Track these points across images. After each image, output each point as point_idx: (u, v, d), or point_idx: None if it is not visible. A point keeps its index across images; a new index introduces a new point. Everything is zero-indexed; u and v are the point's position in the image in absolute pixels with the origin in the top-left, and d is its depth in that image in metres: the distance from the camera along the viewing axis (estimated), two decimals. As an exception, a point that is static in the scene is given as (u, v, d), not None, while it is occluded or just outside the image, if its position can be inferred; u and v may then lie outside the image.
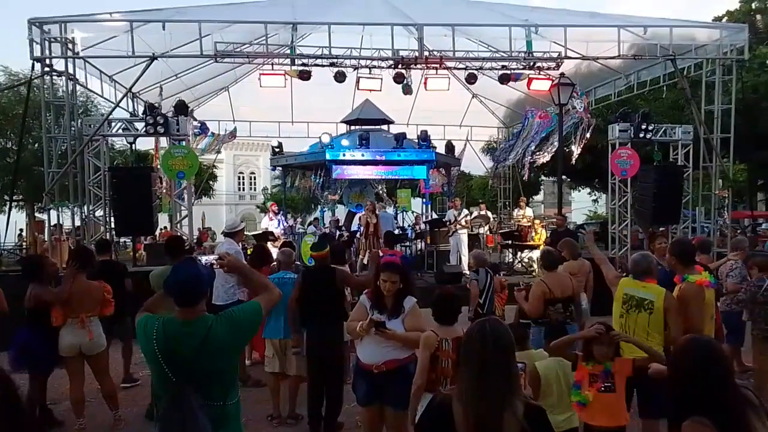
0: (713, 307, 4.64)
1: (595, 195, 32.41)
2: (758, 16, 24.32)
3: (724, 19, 23.76)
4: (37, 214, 20.71)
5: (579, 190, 32.03)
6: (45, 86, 10.01)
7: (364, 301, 4.24)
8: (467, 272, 13.53)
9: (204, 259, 4.44)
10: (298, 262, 9.02)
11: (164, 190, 11.66)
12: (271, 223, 14.23)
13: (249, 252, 13.22)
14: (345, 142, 14.40)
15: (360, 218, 13.47)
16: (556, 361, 3.87)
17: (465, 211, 15.08)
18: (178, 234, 9.46)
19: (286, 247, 6.67)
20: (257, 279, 3.06)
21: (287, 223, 15.17)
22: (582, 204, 40.82)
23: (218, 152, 18.55)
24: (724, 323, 6.47)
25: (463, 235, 13.94)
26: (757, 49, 18.33)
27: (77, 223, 9.65)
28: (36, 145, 18.36)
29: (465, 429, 2.05)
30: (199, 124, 14.82)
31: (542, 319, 5.45)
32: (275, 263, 6.47)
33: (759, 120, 17.26)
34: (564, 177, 13.64)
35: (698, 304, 4.36)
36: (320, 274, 5.45)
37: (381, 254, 8.05)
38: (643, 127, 10.24)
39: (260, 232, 14.17)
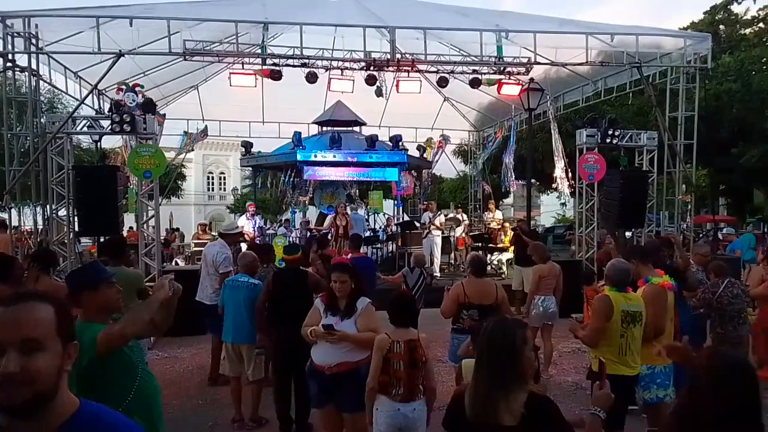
0: (673, 310, 4.76)
1: (563, 198, 32.98)
2: (721, 27, 25.08)
3: (688, 30, 24.39)
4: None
5: (548, 194, 32.50)
6: (7, 82, 9.71)
7: (319, 305, 4.27)
8: (437, 274, 13.67)
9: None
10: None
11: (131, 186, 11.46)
12: (248, 223, 14.15)
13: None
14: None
15: (330, 219, 13.47)
16: None
17: (441, 215, 15.20)
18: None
19: (249, 251, 6.66)
20: (135, 310, 2.88)
21: (260, 223, 15.07)
22: (551, 207, 41.48)
23: (190, 150, 18.22)
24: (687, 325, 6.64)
25: (437, 238, 14.06)
26: (720, 58, 18.91)
27: (39, 222, 9.40)
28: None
29: (470, 418, 2.32)
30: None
31: (455, 325, 5.46)
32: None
33: (720, 127, 17.81)
34: (533, 180, 13.82)
35: (661, 305, 4.48)
36: (291, 277, 5.45)
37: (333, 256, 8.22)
38: (610, 132, 10.42)
39: (232, 232, 14.01)
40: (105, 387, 2.64)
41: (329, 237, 12.40)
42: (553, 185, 13.36)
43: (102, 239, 10.03)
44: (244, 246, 10.06)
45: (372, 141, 14.48)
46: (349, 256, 8.07)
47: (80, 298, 2.76)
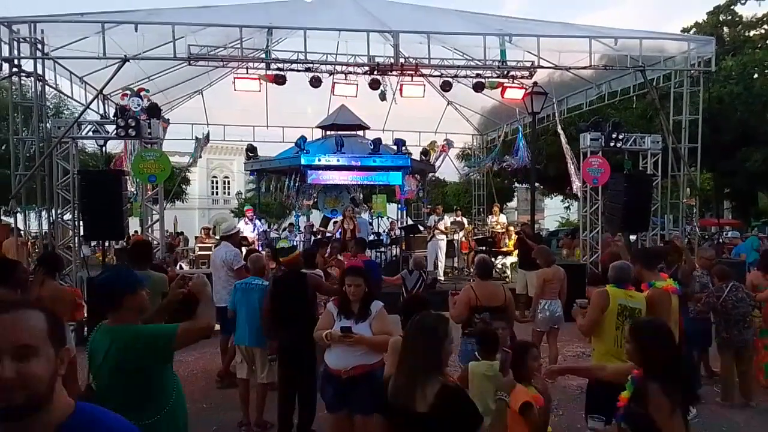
0: (678, 313, 4.75)
1: (567, 202, 32.94)
2: (725, 29, 25.04)
3: (692, 31, 24.37)
4: (3, 217, 20.21)
5: (552, 197, 32.47)
6: (13, 87, 9.78)
7: (331, 308, 4.27)
8: (441, 278, 13.65)
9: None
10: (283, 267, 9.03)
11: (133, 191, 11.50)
12: (246, 227, 14.18)
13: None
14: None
15: (335, 224, 13.47)
16: (485, 363, 3.91)
17: (447, 219, 15.20)
18: (146, 239, 9.31)
19: (257, 253, 6.67)
20: (201, 307, 2.98)
21: (262, 227, 15.09)
22: (554, 211, 41.44)
23: (199, 157, 18.18)
24: (692, 328, 6.61)
25: (442, 242, 14.05)
26: (723, 60, 18.87)
27: (44, 227, 9.45)
28: (2, 147, 17.91)
29: (390, 400, 2.53)
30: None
31: (468, 330, 5.34)
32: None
33: (723, 130, 17.76)
34: (537, 184, 13.80)
35: (665, 308, 4.47)
36: (291, 280, 5.43)
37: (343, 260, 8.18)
38: (614, 136, 10.41)
39: (232, 232, 14.02)
40: (166, 383, 2.84)
41: (339, 241, 12.37)
42: (574, 192, 13.36)
43: (107, 243, 10.10)
44: (244, 250, 10.06)
45: (376, 145, 14.50)
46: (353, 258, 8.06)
47: (120, 302, 2.80)
